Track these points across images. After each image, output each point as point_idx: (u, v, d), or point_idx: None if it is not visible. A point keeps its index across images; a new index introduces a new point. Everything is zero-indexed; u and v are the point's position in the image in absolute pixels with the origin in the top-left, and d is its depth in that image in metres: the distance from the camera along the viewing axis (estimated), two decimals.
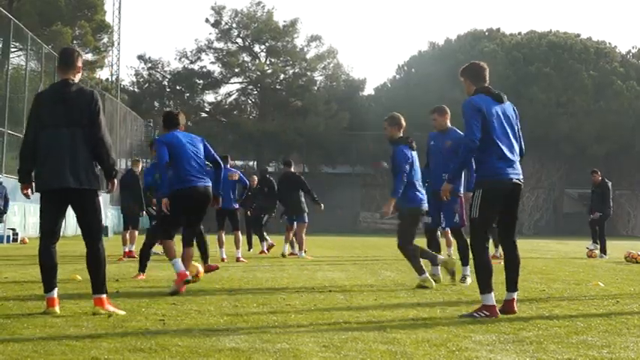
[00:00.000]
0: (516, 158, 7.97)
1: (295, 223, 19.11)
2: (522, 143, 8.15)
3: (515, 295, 7.88)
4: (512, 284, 7.89)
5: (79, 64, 7.82)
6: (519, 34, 66.37)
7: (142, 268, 12.25)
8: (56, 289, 7.61)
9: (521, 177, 7.98)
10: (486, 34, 66.70)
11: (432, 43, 68.53)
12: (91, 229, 7.73)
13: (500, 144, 7.82)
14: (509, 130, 7.94)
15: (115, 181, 7.79)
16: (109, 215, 39.59)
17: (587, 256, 20.77)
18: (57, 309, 7.53)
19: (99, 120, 7.58)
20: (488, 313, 7.53)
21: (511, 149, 7.91)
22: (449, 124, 11.73)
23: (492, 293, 7.65)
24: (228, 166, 17.45)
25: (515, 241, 8.02)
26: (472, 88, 8.09)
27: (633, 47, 66.32)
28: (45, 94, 7.87)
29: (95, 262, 7.68)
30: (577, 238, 31.47)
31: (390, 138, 11.20)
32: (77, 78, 7.79)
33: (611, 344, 5.93)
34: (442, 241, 18.59)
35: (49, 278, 7.62)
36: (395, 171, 10.97)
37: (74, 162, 7.51)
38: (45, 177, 7.63)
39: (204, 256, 12.95)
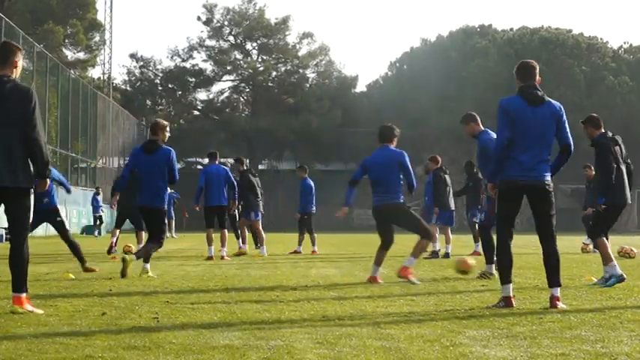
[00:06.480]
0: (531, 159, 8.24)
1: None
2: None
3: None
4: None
5: (16, 58, 7.57)
6: (511, 29, 66.43)
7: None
8: None
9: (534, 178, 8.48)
10: (478, 30, 66.76)
11: (424, 39, 68.70)
12: (20, 227, 7.61)
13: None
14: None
15: (48, 180, 7.70)
16: (106, 212, 39.69)
17: (581, 250, 20.82)
18: None
19: (34, 119, 7.38)
20: (504, 304, 7.83)
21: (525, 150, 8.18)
22: (479, 128, 11.68)
23: (510, 285, 7.94)
24: (217, 162, 17.55)
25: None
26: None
27: (625, 42, 66.55)
28: None
29: (18, 259, 7.61)
30: (570, 233, 31.45)
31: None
32: (15, 74, 7.57)
33: (605, 339, 5.93)
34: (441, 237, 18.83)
35: None
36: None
37: (10, 161, 7.37)
38: None
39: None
